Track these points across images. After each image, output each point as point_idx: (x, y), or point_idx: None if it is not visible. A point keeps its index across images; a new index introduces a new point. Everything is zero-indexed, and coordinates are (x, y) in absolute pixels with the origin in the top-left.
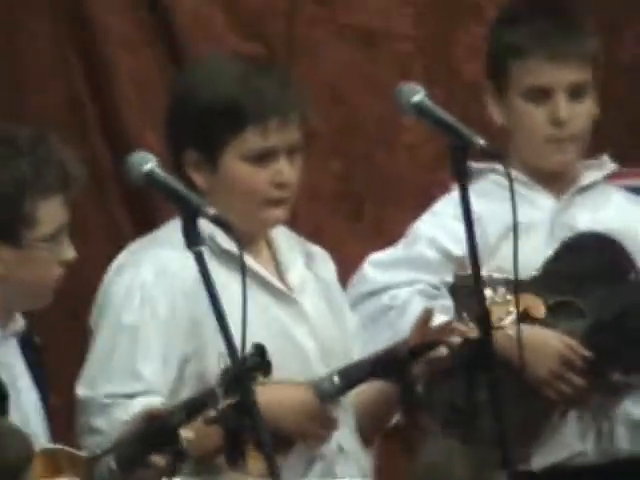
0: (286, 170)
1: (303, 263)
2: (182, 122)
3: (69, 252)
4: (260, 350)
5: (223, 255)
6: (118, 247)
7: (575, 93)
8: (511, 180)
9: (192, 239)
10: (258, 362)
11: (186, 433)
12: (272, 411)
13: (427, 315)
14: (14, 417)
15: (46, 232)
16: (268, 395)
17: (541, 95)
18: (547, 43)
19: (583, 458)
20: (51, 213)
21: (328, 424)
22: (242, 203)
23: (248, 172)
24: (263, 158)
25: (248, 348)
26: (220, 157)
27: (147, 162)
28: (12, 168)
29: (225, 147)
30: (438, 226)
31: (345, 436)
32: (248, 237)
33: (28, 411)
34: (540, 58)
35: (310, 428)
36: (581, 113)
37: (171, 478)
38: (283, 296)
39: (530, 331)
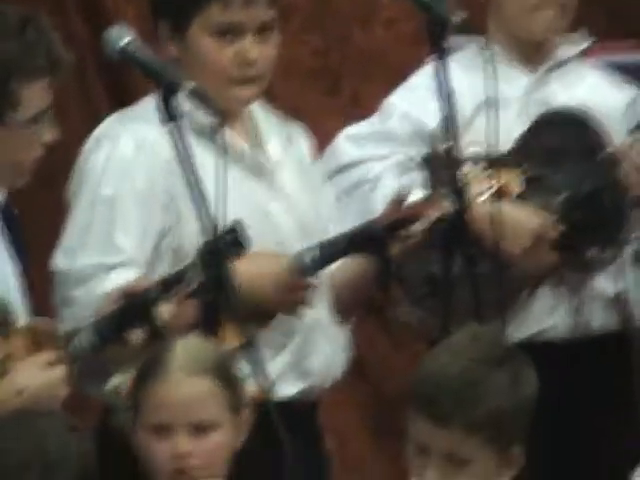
0: (253, 48)
1: (281, 140)
2: None
3: (50, 134)
4: (238, 228)
5: (200, 131)
6: (94, 120)
7: None
8: (492, 57)
9: (169, 114)
10: (235, 240)
11: (163, 309)
12: (249, 281)
13: (402, 193)
14: None
15: (29, 114)
16: (246, 265)
17: None
18: None
19: (555, 332)
20: (36, 96)
21: (304, 296)
22: (211, 80)
23: (213, 47)
24: (227, 33)
25: (226, 224)
26: (187, 29)
27: (124, 37)
28: (2, 46)
29: (191, 19)
30: (412, 100)
31: (322, 310)
32: (225, 112)
33: (8, 283)
34: None
35: (285, 296)
36: None
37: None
38: (260, 170)
39: (505, 207)
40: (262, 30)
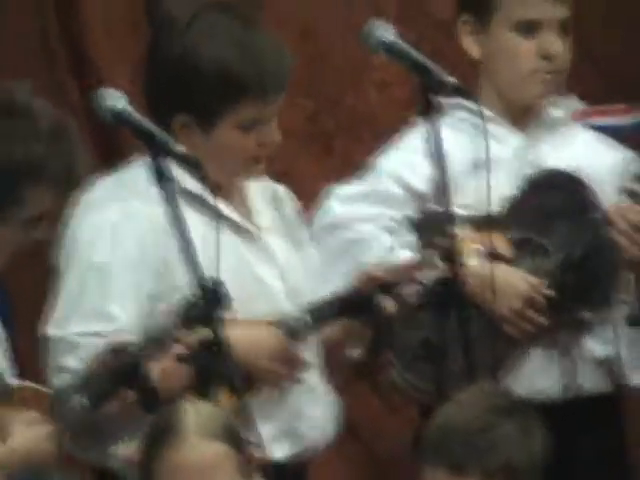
0: (274, 131)
1: (270, 204)
2: (175, 86)
3: (42, 232)
4: (217, 283)
5: (189, 197)
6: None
7: (563, 28)
8: (483, 117)
9: (160, 176)
10: (216, 294)
11: (153, 368)
12: (241, 350)
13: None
14: None
15: (29, 215)
16: (237, 334)
17: (531, 28)
18: None
19: (548, 394)
20: (41, 199)
21: (297, 364)
22: (229, 165)
23: (240, 137)
24: (255, 125)
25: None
26: (215, 124)
27: (116, 99)
28: (28, 148)
29: (222, 116)
30: (402, 161)
31: (314, 376)
32: (215, 181)
33: None
34: None
35: (279, 368)
36: (566, 49)
37: (142, 413)
38: (250, 236)
39: (496, 269)
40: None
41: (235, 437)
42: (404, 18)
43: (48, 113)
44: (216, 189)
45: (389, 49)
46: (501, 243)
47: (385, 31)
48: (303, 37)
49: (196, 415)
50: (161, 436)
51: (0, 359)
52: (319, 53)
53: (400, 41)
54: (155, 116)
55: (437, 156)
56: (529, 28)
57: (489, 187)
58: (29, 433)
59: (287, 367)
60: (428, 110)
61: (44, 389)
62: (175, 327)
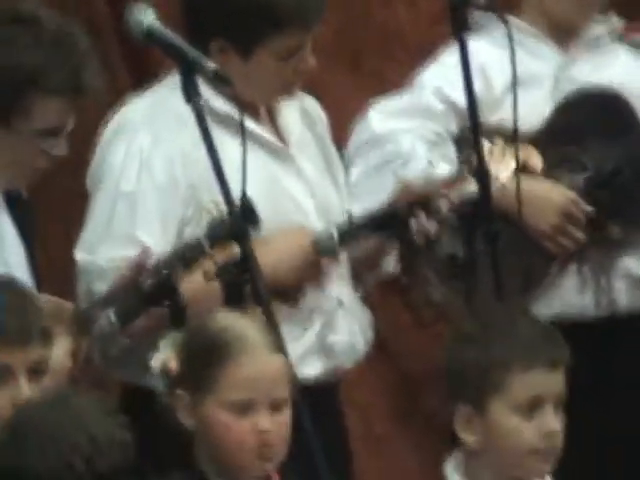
0: (309, 57)
1: (299, 118)
2: (215, 11)
3: (59, 149)
4: (247, 202)
5: (218, 118)
6: (116, 98)
7: None
8: (511, 37)
9: (191, 93)
10: (246, 213)
11: (186, 286)
12: (270, 261)
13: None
14: (1, 271)
15: (39, 126)
16: (265, 249)
17: None
18: None
19: (582, 311)
20: (50, 111)
21: (320, 275)
22: (265, 89)
23: (278, 65)
24: (294, 53)
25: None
26: (254, 52)
27: (147, 16)
28: (26, 55)
29: (261, 44)
30: (444, 76)
31: (343, 291)
32: (245, 100)
33: (14, 263)
34: None
35: (306, 276)
36: None
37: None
38: (280, 153)
39: (532, 184)
40: None
41: (284, 350)
42: None
43: (54, 22)
44: (245, 107)
45: None
46: (533, 159)
47: None
48: None
49: (258, 328)
50: (222, 350)
51: (20, 274)
52: None
53: None
54: (193, 39)
55: (465, 75)
56: None
57: (516, 103)
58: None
59: (312, 275)
60: (459, 26)
61: (66, 303)
62: (204, 245)
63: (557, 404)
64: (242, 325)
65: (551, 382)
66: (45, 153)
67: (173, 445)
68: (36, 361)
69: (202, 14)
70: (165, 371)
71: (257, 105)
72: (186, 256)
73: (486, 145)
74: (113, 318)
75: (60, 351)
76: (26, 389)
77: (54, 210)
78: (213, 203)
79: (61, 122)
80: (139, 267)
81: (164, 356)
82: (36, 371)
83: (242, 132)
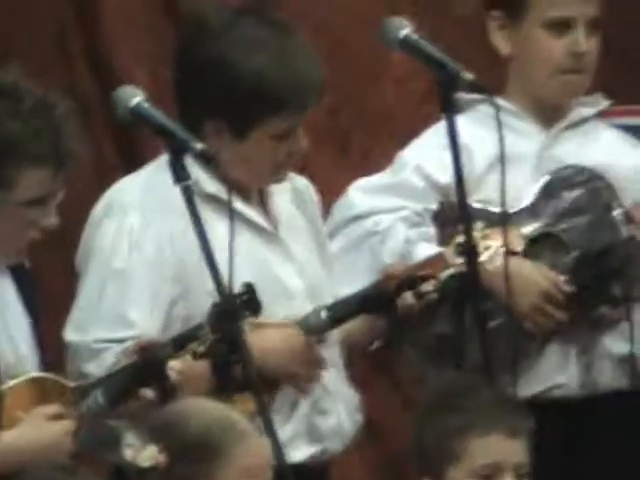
0: (303, 139)
1: (289, 199)
2: (211, 92)
3: (49, 219)
4: (250, 289)
5: (207, 198)
6: (104, 178)
7: (592, 27)
8: (498, 115)
9: (179, 174)
10: (248, 301)
11: (174, 365)
12: (259, 354)
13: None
14: (6, 346)
15: (24, 198)
16: (254, 338)
17: (562, 26)
18: None
19: (565, 390)
20: (34, 181)
21: (316, 364)
22: (256, 171)
23: (272, 147)
24: (288, 134)
25: (237, 287)
26: (250, 133)
27: (134, 97)
28: (6, 126)
29: (258, 126)
30: (424, 154)
31: (331, 376)
32: (233, 181)
33: (18, 337)
34: None
35: (298, 370)
36: (594, 47)
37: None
38: (269, 236)
39: (513, 263)
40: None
41: (274, 434)
42: (420, 13)
43: (33, 92)
44: (236, 188)
45: (405, 45)
46: (514, 239)
47: (401, 27)
48: (317, 33)
49: (241, 415)
50: (213, 443)
51: (25, 348)
52: (334, 49)
53: (416, 36)
54: (186, 119)
55: (453, 152)
56: (560, 26)
57: (504, 182)
58: (47, 429)
59: (307, 368)
60: (446, 106)
61: (66, 382)
62: (205, 330)
63: (518, 474)
64: (229, 415)
65: (510, 450)
66: (34, 224)
67: None
68: None
69: (198, 96)
70: (154, 466)
71: (248, 187)
72: (181, 339)
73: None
74: (100, 399)
75: (62, 431)
76: None
77: (54, 281)
78: (208, 293)
79: (46, 191)
80: (141, 350)
81: (150, 452)
82: None
83: (230, 215)
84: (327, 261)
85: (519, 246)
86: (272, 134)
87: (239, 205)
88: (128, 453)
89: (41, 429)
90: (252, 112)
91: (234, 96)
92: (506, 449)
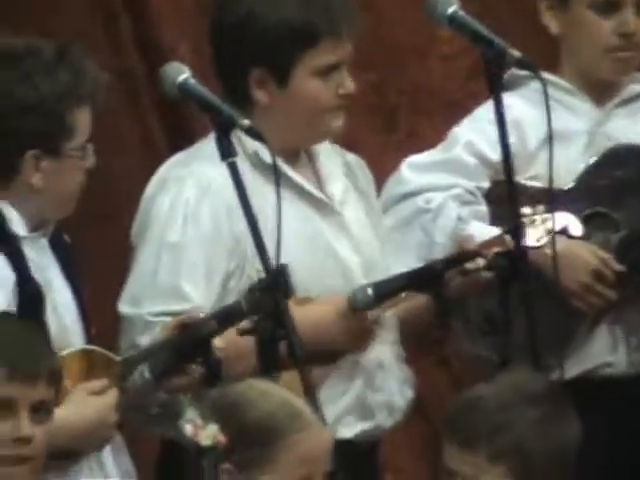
0: (349, 79)
1: (343, 173)
2: (245, 44)
3: (92, 160)
4: (283, 271)
5: (267, 170)
6: (152, 153)
7: (639, 7)
8: (546, 93)
9: (226, 150)
10: (281, 283)
11: (218, 342)
12: (310, 328)
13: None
14: (50, 318)
15: (81, 141)
16: (303, 313)
17: (610, 7)
18: None
19: (613, 369)
20: (85, 122)
21: (365, 333)
22: (308, 116)
23: (317, 85)
24: (331, 71)
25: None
26: (291, 74)
27: (181, 73)
28: (51, 80)
29: (298, 64)
30: (476, 131)
31: (384, 351)
32: (290, 151)
33: (63, 311)
34: None
35: (347, 340)
36: None
37: (206, 388)
38: (325, 208)
39: (564, 243)
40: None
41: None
42: None
43: (48, 44)
44: (288, 158)
45: (453, 21)
46: (574, 224)
47: (449, 3)
48: (363, 9)
49: (305, 403)
50: (276, 429)
51: (70, 321)
52: (379, 25)
53: (463, 13)
54: (230, 79)
55: (500, 130)
56: (608, 6)
57: (552, 160)
58: (93, 402)
59: (353, 337)
60: (493, 83)
61: (113, 355)
62: (243, 307)
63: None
64: (292, 401)
65: None
66: (83, 168)
67: None
68: (40, 400)
69: (233, 49)
70: (214, 445)
71: (299, 154)
72: (224, 316)
73: (527, 210)
74: (147, 373)
75: (108, 403)
76: (26, 425)
77: (102, 258)
78: (256, 270)
79: (90, 131)
80: (183, 327)
81: (211, 431)
82: (39, 410)
83: (276, 180)
84: (381, 238)
85: (578, 230)
86: (314, 70)
87: (294, 176)
88: (189, 429)
89: (85, 404)
90: (288, 51)
91: (268, 42)
92: None
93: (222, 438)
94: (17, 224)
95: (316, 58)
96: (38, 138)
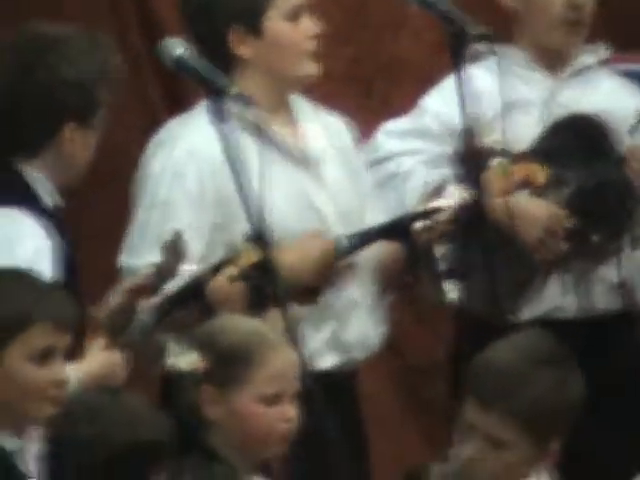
0: (315, 21)
1: (322, 133)
2: (218, 6)
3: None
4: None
5: (254, 130)
6: (153, 124)
7: None
8: (498, 61)
9: (218, 116)
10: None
11: (215, 286)
12: (298, 260)
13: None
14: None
15: (101, 115)
16: (293, 247)
17: None
18: None
19: (564, 312)
20: (105, 97)
21: (336, 274)
22: (287, 58)
23: (288, 29)
24: (299, 13)
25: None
26: (263, 23)
27: (178, 47)
28: (89, 61)
29: (265, 10)
30: (443, 100)
31: (359, 291)
32: (274, 103)
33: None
34: None
35: (327, 275)
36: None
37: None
38: (304, 162)
39: (521, 200)
40: None
41: (301, 347)
42: None
43: (72, 29)
44: (271, 118)
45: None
46: (536, 172)
47: None
48: None
49: (271, 326)
50: (249, 349)
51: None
52: (357, 4)
53: None
54: (208, 43)
55: (460, 100)
56: None
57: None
58: (105, 358)
59: (332, 274)
60: (455, 58)
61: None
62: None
63: None
64: (262, 327)
65: None
66: (95, 139)
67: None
68: (67, 347)
69: (206, 14)
70: (194, 370)
71: (281, 112)
72: (217, 264)
73: (493, 163)
74: (144, 319)
75: (115, 360)
76: (64, 370)
77: (103, 224)
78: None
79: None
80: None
81: (190, 358)
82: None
83: (269, 142)
84: (363, 191)
85: (542, 179)
86: (284, 15)
87: (277, 134)
88: (172, 358)
89: (98, 360)
90: (257, 1)
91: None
92: None
93: (201, 364)
94: (47, 194)
95: (284, 3)
96: (76, 111)
